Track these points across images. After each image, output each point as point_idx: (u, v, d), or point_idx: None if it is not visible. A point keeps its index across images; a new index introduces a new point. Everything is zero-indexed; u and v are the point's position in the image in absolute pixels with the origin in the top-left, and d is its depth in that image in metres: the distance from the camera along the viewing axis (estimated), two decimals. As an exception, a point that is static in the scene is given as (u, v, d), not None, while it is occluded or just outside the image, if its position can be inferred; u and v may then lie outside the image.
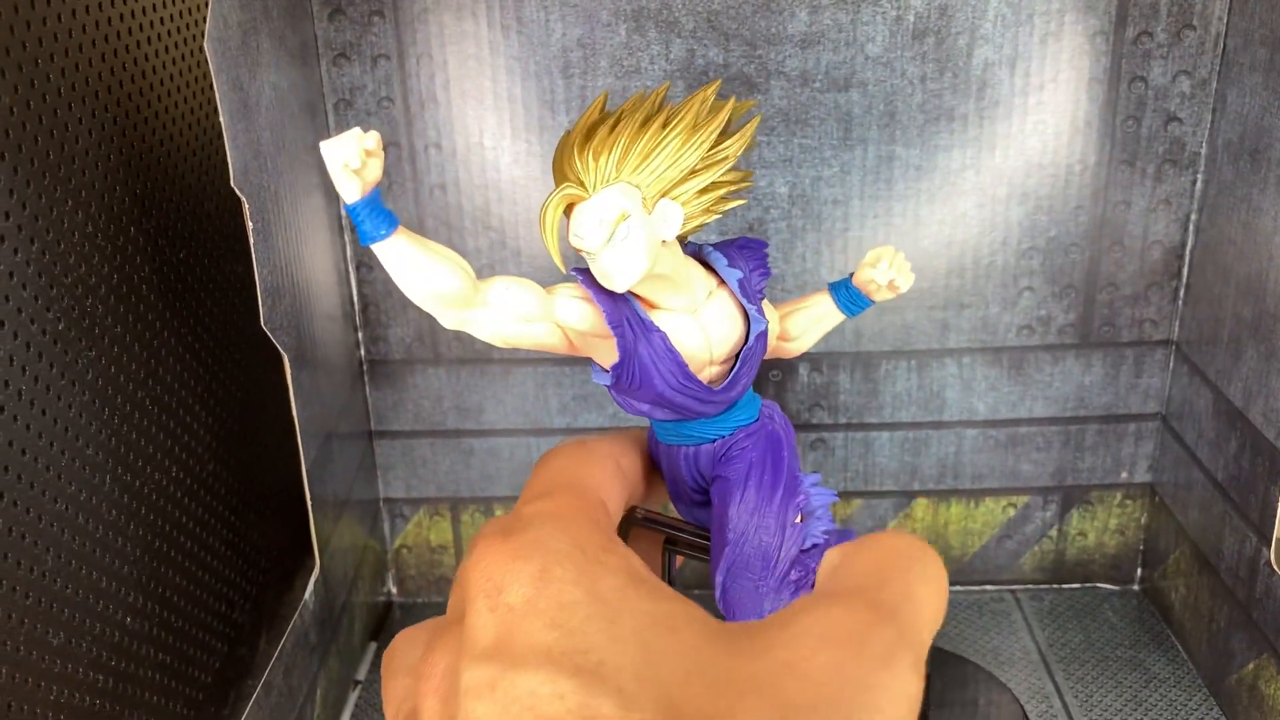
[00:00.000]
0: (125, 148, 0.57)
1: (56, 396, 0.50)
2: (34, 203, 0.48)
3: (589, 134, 0.42)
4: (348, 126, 0.78)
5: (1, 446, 0.45)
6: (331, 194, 0.78)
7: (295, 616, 0.70)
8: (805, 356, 0.83)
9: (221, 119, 0.58)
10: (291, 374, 0.67)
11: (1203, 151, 0.77)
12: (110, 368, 0.55)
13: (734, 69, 0.76)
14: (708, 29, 0.75)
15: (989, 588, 0.90)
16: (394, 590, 0.92)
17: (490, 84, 0.77)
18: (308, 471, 0.71)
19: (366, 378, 0.85)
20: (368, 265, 0.82)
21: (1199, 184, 0.78)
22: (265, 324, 0.63)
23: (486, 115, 0.78)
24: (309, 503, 0.71)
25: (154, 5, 0.60)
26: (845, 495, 0.88)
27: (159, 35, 0.61)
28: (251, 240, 0.61)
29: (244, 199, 0.60)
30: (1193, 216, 0.79)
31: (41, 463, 0.48)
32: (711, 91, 0.43)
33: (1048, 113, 0.77)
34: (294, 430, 0.71)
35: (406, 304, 0.83)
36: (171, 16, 0.62)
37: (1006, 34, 0.75)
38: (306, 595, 0.72)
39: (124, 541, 0.56)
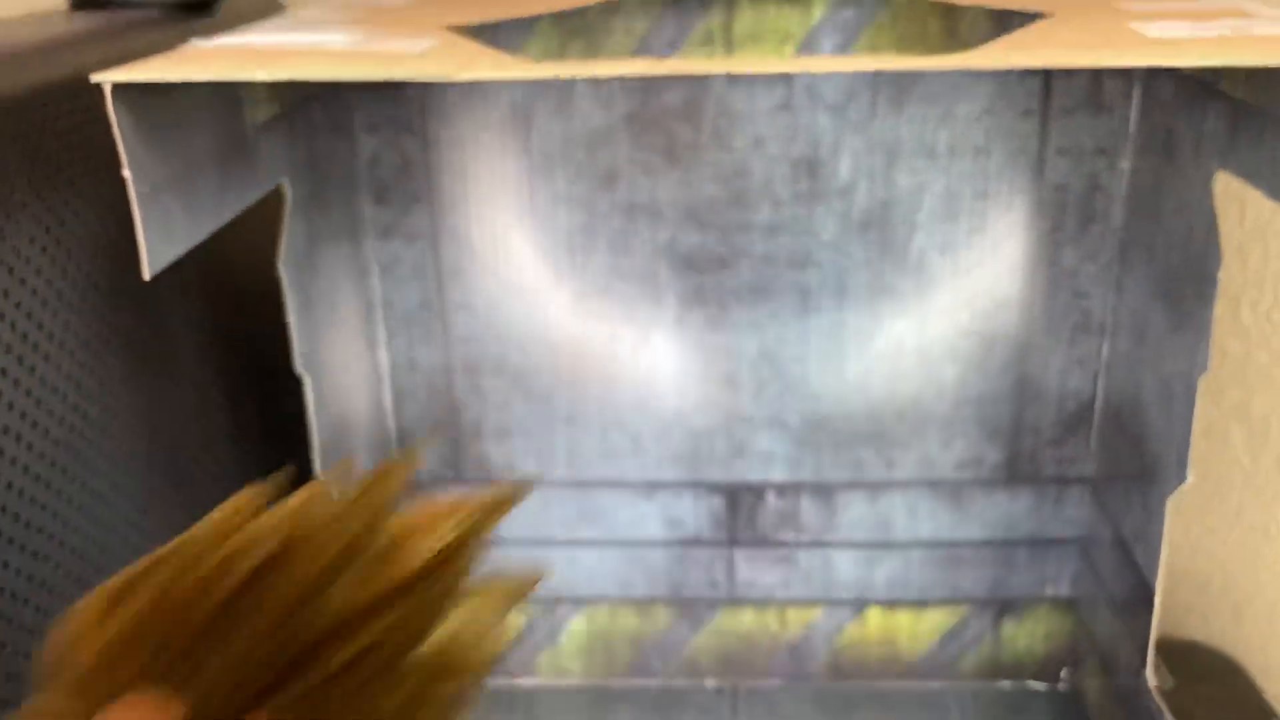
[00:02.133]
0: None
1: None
2: (139, 398, 0.63)
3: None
4: (390, 291, 0.94)
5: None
6: (372, 340, 0.94)
7: None
8: (771, 484, 0.98)
9: (290, 318, 0.73)
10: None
11: (1108, 321, 0.92)
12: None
13: (709, 250, 0.91)
14: (687, 219, 0.90)
15: (934, 683, 1.04)
16: (419, 674, 1.07)
17: (506, 258, 0.93)
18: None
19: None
20: (402, 401, 0.97)
21: (1105, 349, 0.92)
22: (319, 472, 0.78)
23: (502, 283, 0.93)
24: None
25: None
26: (809, 603, 1.02)
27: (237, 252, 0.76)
28: (310, 410, 0.76)
29: (306, 376, 0.75)
30: (1099, 376, 0.93)
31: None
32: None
33: (976, 291, 0.91)
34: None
35: (435, 432, 0.98)
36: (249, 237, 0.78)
37: (938, 227, 0.90)
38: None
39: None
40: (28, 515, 0.55)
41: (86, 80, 0.50)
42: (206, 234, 0.60)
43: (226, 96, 0.64)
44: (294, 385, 0.94)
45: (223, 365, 0.80)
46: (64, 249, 0.60)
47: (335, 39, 0.59)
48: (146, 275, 0.54)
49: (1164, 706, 0.79)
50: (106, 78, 0.50)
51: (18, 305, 0.56)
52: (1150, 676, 0.82)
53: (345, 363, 0.86)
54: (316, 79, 0.50)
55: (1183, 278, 0.77)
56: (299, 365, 0.74)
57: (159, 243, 0.55)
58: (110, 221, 0.64)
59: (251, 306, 0.84)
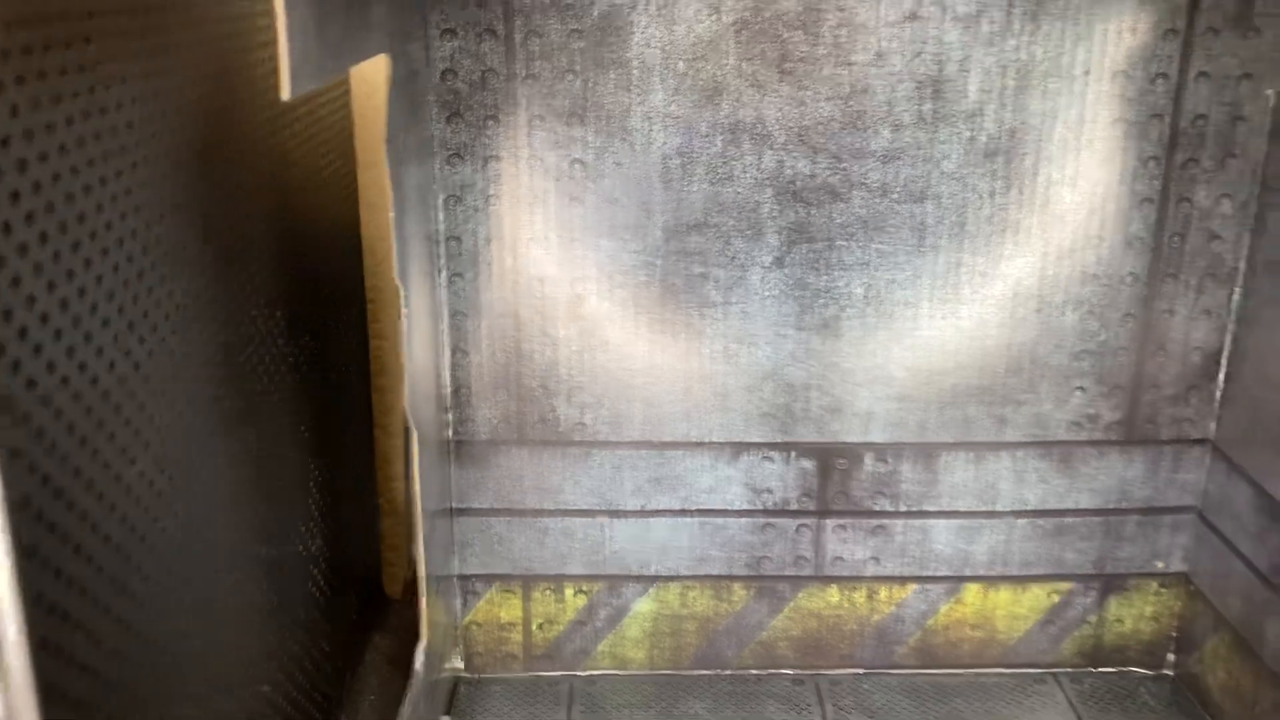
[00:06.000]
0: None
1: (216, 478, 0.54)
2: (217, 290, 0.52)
3: None
4: (455, 223, 0.83)
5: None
6: (433, 280, 0.83)
7: (409, 689, 0.73)
8: (870, 446, 0.89)
9: (391, 214, 0.63)
10: (418, 451, 0.71)
11: (1240, 267, 0.85)
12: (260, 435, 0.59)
13: (819, 179, 0.83)
14: (798, 143, 0.82)
15: (1033, 670, 0.95)
16: (461, 666, 0.95)
17: (594, 185, 0.83)
18: (425, 546, 0.74)
19: (453, 457, 0.89)
20: (462, 350, 0.86)
21: (1236, 296, 0.85)
22: (408, 405, 0.67)
23: (588, 214, 0.83)
24: (422, 578, 0.74)
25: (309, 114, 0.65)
26: (901, 580, 0.92)
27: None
28: (404, 326, 0.66)
29: (401, 287, 0.64)
30: (1230, 326, 0.86)
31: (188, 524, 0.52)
32: None
33: (1104, 228, 0.84)
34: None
35: (496, 386, 0.87)
36: (325, 131, 0.67)
37: (1069, 156, 0.82)
38: (417, 665, 0.74)
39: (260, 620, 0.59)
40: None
41: None
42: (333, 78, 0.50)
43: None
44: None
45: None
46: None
47: None
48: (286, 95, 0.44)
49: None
50: None
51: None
52: (1323, 642, 0.74)
53: (421, 295, 0.75)
54: None
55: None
56: (397, 274, 0.63)
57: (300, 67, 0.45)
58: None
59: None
